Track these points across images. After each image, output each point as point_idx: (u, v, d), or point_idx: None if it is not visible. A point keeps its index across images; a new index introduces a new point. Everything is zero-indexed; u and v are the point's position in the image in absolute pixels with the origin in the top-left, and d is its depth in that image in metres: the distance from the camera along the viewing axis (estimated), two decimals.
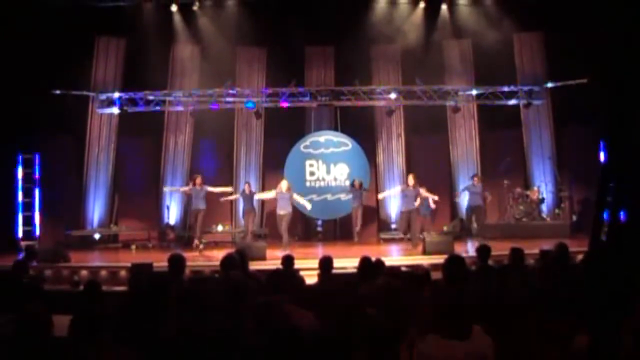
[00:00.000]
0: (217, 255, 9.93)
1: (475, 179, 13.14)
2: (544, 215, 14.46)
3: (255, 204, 13.73)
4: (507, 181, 14.26)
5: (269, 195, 13.54)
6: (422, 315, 3.32)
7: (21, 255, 11.39)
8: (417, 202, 12.71)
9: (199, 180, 13.05)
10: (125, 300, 5.33)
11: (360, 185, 13.97)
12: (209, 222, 14.21)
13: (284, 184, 12.91)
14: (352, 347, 3.44)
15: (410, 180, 12.68)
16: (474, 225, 13.43)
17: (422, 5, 14.74)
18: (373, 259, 6.04)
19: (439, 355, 2.98)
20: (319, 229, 15.30)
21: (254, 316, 3.60)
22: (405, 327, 3.51)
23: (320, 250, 12.55)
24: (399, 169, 15.31)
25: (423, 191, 12.82)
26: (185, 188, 13.58)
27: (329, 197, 14.79)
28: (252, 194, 13.48)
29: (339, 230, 15.35)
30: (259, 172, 15.39)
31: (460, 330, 3.04)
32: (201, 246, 12.66)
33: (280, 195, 12.83)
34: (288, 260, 6.67)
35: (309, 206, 13.33)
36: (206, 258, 11.57)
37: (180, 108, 14.80)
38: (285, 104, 14.31)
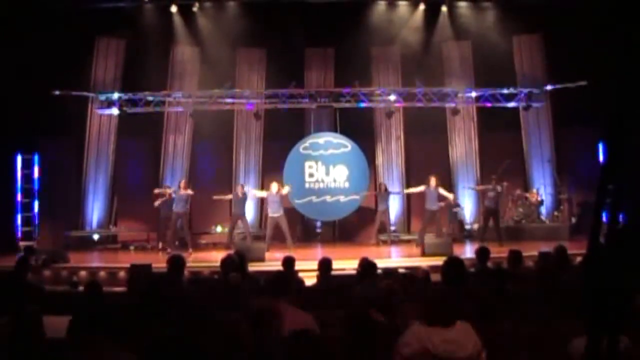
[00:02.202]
0: (216, 256, 9.92)
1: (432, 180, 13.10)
2: (543, 218, 14.47)
3: (245, 208, 13.42)
4: (506, 183, 14.25)
5: (261, 194, 13.58)
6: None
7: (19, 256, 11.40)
8: (442, 204, 13.22)
9: (183, 184, 12.99)
10: (124, 301, 5.33)
11: (386, 188, 13.99)
12: (208, 224, 14.21)
13: (274, 186, 12.92)
14: (353, 350, 3.44)
15: (433, 181, 12.89)
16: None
17: (422, 7, 14.74)
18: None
19: (417, 341, 3.01)
20: (318, 230, 15.30)
21: (251, 318, 3.61)
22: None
23: (319, 252, 12.54)
24: (399, 170, 15.31)
25: (442, 191, 13.09)
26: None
27: (328, 198, 14.77)
28: (244, 196, 13.34)
29: (338, 232, 15.36)
30: (258, 174, 15.38)
31: (443, 318, 3.06)
32: (190, 250, 12.73)
33: (271, 197, 12.85)
34: (289, 262, 6.67)
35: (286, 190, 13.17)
36: (204, 259, 11.56)
37: (179, 109, 14.81)
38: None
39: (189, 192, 12.86)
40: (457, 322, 3.10)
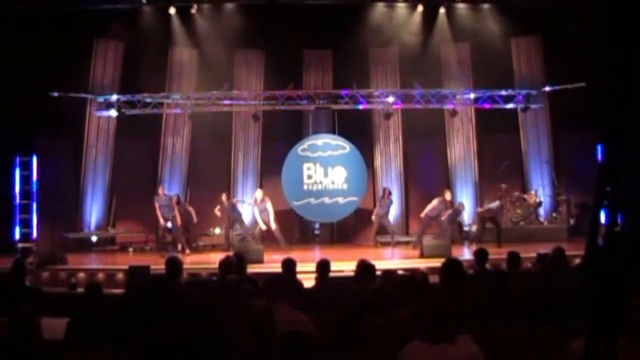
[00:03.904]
0: (214, 258, 9.91)
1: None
2: (541, 219, 14.46)
3: (238, 213, 13.45)
4: (504, 185, 14.26)
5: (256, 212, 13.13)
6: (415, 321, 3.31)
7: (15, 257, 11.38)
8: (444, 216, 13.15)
9: (161, 190, 13.07)
10: (122, 302, 5.32)
11: (389, 194, 13.91)
12: (206, 225, 14.20)
13: (258, 193, 13.00)
14: (344, 351, 3.43)
15: (448, 196, 13.25)
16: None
17: (420, 8, 14.75)
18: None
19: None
20: (317, 232, 15.30)
21: (249, 320, 3.61)
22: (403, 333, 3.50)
23: (317, 254, 12.53)
24: (397, 172, 15.32)
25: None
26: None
27: (326, 200, 14.76)
28: (232, 204, 13.30)
29: (336, 234, 15.35)
30: (257, 175, 15.37)
31: (442, 333, 3.00)
32: (187, 251, 12.78)
33: (260, 206, 12.86)
34: (289, 265, 6.63)
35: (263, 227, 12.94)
36: (202, 261, 11.55)
37: (178, 111, 14.81)
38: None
39: (172, 195, 13.11)
40: (458, 336, 3.05)
